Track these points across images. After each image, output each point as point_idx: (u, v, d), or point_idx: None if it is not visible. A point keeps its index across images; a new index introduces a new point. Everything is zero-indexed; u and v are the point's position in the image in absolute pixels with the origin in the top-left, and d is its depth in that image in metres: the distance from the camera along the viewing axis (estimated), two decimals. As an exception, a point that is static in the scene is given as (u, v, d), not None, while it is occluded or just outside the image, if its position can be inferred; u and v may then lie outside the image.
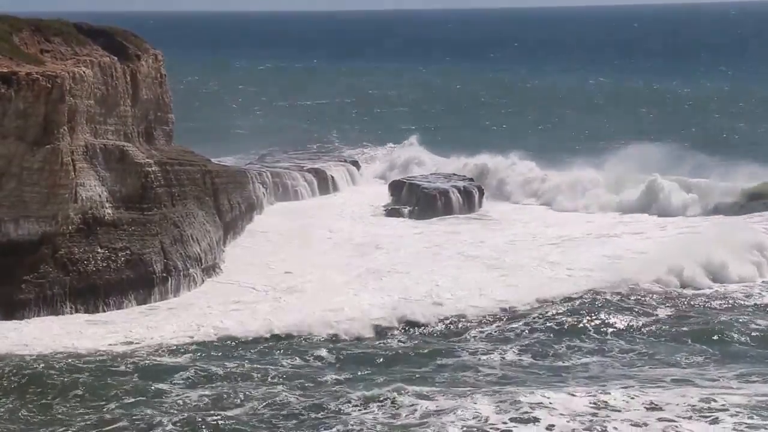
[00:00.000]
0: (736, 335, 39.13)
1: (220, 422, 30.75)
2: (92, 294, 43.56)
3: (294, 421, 30.99)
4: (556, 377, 35.11)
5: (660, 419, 30.31)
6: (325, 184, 70.05)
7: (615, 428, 29.73)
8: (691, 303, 43.82)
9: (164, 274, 46.01)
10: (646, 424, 29.98)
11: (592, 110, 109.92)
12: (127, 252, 45.17)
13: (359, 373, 35.30)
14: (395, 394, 32.59)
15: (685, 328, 40.01)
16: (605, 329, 40.12)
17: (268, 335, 39.97)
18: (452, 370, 35.74)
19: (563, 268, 49.32)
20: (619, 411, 30.77)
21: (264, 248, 54.56)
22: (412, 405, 31.69)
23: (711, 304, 43.57)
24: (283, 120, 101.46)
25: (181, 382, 34.69)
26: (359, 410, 31.42)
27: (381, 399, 32.23)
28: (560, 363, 36.78)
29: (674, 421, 30.18)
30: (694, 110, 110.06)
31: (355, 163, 76.05)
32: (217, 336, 39.90)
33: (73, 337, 39.54)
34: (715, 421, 30.24)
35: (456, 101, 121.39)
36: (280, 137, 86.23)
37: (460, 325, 41.20)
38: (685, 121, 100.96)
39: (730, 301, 43.96)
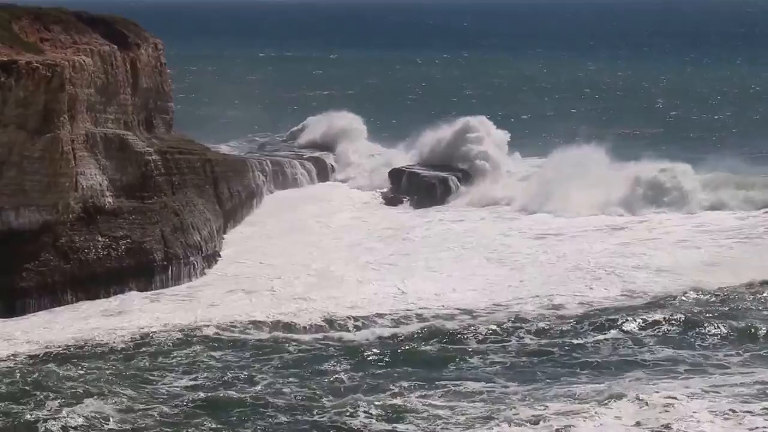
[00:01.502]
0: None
1: (213, 416, 30.64)
2: (93, 282, 43.65)
3: (291, 415, 30.84)
4: (565, 368, 35.01)
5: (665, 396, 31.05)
6: (324, 172, 69.94)
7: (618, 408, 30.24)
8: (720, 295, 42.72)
9: (165, 263, 46.12)
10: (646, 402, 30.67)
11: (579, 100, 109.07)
12: (128, 240, 45.25)
13: (360, 368, 34.88)
14: (396, 389, 32.63)
15: (705, 318, 39.33)
16: (620, 323, 39.01)
17: (267, 325, 39.58)
18: (457, 368, 35.19)
19: (571, 260, 48.56)
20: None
21: (264, 237, 54.45)
22: (408, 400, 31.56)
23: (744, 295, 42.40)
24: (257, 110, 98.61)
25: (179, 372, 34.52)
26: (354, 405, 31.19)
27: (380, 394, 32.17)
28: (568, 357, 36.13)
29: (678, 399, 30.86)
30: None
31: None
32: (217, 325, 39.54)
33: (69, 327, 39.56)
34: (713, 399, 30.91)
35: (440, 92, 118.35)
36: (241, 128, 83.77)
37: (468, 319, 40.25)
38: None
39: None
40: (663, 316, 39.24)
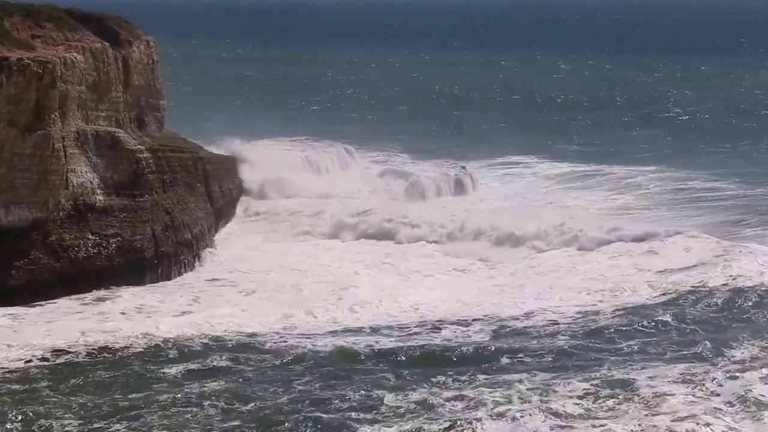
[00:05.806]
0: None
1: (226, 420, 30.24)
2: (83, 280, 43.51)
3: (314, 414, 30.35)
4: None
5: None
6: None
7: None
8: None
9: (155, 261, 46.05)
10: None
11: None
12: (119, 238, 45.18)
13: (361, 371, 34.20)
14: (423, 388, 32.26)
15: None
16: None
17: (261, 324, 39.10)
18: (478, 367, 34.37)
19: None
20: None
21: (256, 235, 54.35)
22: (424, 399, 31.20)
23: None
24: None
25: (183, 374, 33.82)
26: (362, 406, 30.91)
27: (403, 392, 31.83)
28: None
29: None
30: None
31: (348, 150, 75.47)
32: (211, 325, 39.15)
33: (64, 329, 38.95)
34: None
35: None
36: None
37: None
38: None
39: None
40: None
